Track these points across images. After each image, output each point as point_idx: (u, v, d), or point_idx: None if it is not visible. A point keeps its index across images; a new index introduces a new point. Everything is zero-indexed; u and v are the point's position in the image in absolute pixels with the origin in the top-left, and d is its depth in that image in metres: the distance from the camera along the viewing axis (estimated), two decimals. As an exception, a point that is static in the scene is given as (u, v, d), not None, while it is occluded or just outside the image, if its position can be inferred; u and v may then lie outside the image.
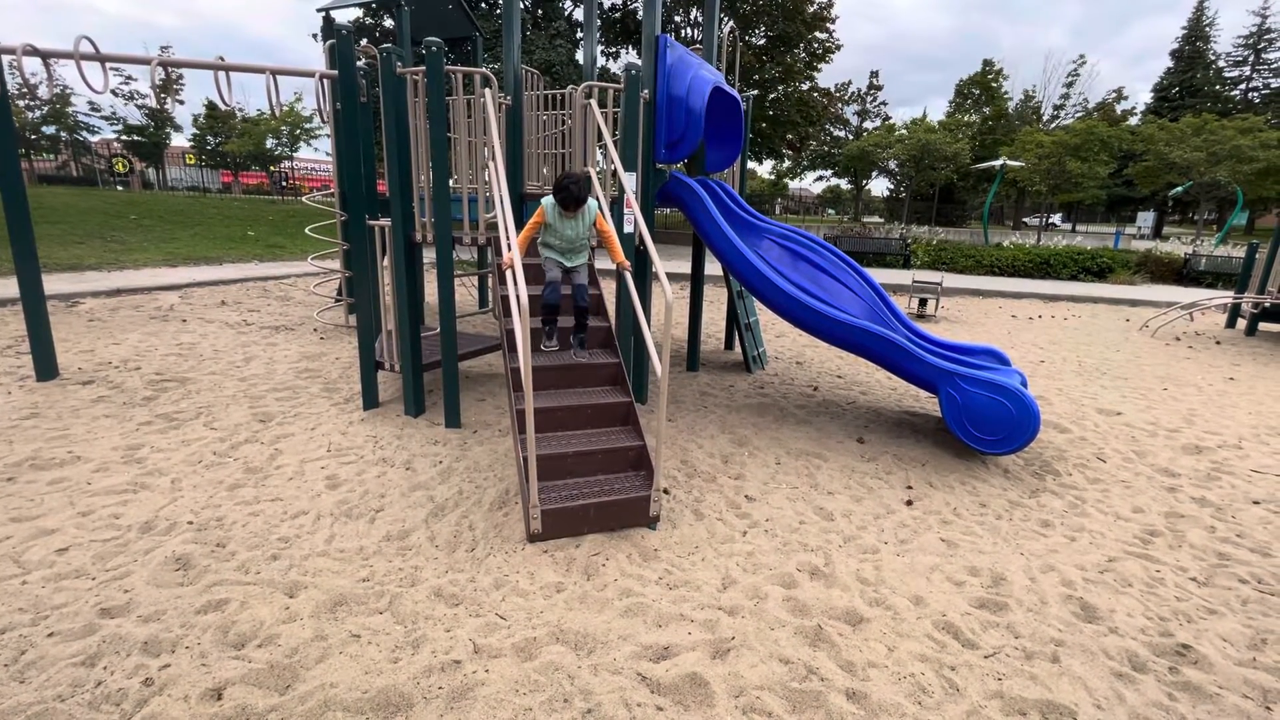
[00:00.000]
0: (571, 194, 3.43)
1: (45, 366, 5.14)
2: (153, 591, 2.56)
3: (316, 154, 37.64)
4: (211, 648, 2.25)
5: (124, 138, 33.08)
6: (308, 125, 32.77)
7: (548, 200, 3.51)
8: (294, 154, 36.59)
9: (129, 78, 31.54)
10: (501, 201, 3.28)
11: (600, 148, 4.62)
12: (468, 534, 3.13)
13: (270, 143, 35.14)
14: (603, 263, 4.70)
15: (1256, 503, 3.88)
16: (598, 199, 3.76)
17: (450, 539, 3.08)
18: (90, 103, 31.72)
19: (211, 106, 37.00)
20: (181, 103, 33.69)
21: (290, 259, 13.63)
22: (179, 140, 37.91)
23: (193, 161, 37.67)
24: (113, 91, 27.82)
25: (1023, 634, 2.55)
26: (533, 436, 2.87)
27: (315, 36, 22.27)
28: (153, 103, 32.05)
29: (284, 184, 36.58)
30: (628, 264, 3.53)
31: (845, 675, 2.26)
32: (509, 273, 2.93)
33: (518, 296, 2.74)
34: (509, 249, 2.90)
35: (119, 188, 30.15)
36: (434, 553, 2.96)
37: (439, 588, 2.68)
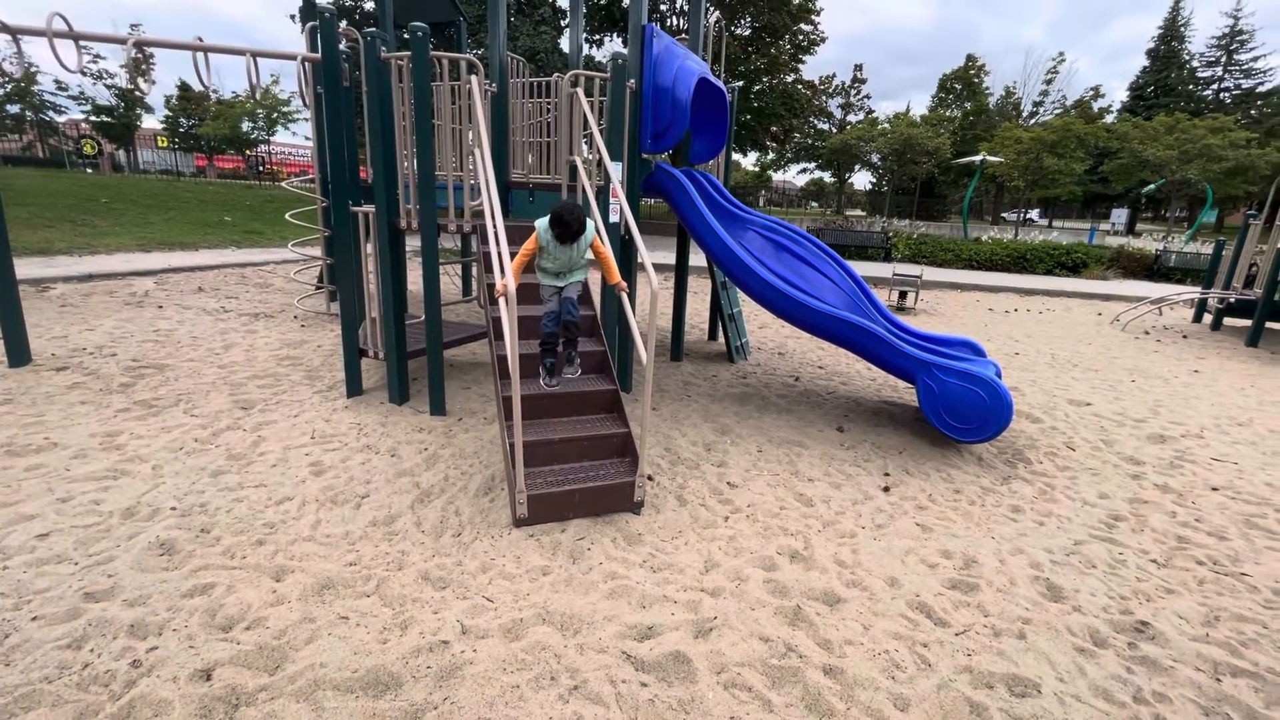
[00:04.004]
0: (570, 229, 3.29)
1: (17, 352, 5.03)
2: (137, 576, 2.56)
3: (295, 138, 36.82)
4: (199, 630, 2.27)
5: (93, 118, 32.08)
6: (285, 109, 32.04)
7: (542, 225, 3.37)
8: (271, 138, 35.78)
9: (97, 56, 30.56)
10: (490, 196, 3.28)
11: (586, 137, 4.63)
12: (454, 519, 3.17)
13: (246, 126, 34.29)
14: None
15: (1215, 489, 4.05)
16: (594, 219, 3.68)
17: (437, 524, 3.11)
18: (57, 81, 30.70)
19: (184, 88, 36.01)
20: (152, 83, 32.73)
21: (268, 245, 13.40)
22: (150, 122, 36.91)
23: (165, 144, 36.70)
24: (81, 70, 26.92)
25: (992, 613, 2.66)
26: (519, 423, 2.90)
27: (293, 17, 21.77)
28: (123, 82, 31.14)
29: (260, 168, 35.84)
30: (624, 285, 3.42)
31: (823, 652, 2.35)
32: (503, 300, 2.89)
33: (510, 320, 2.77)
34: (503, 275, 2.84)
35: (88, 170, 29.31)
36: (420, 538, 2.99)
37: (426, 571, 2.72)
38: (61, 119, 34.17)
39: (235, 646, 2.19)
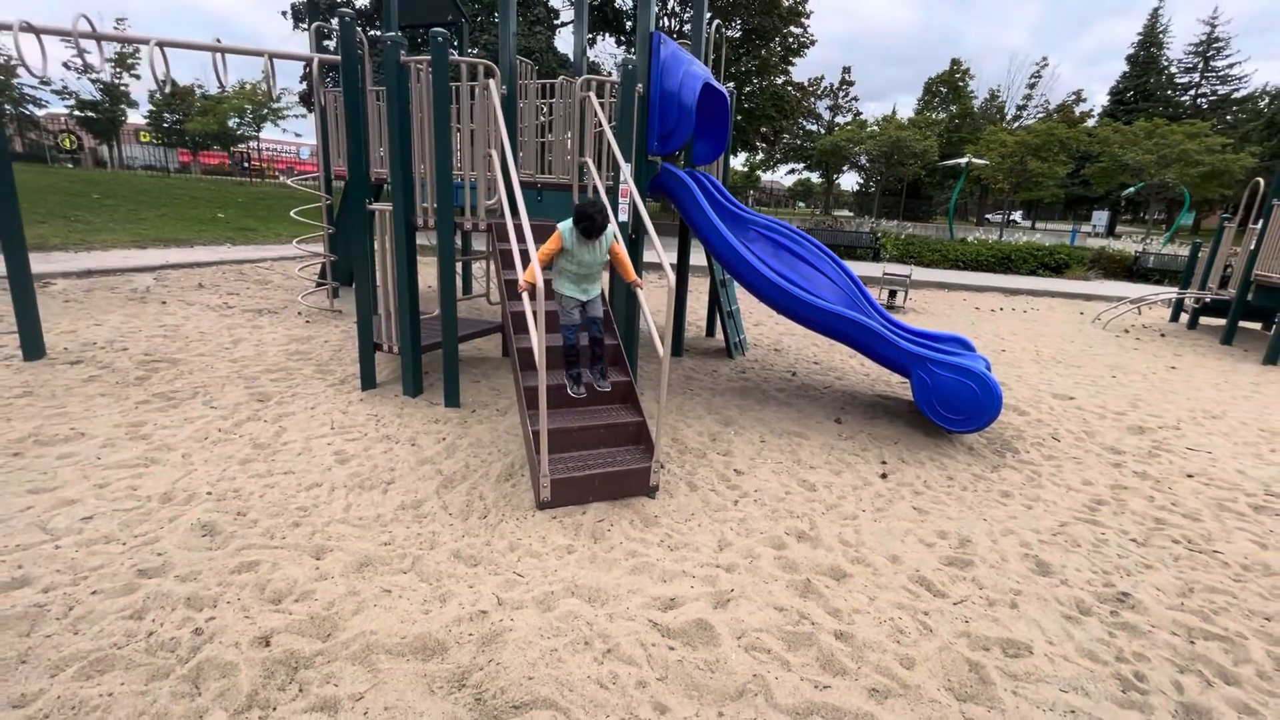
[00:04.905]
0: (596, 223, 3.40)
1: (32, 345, 5.11)
2: (185, 554, 2.69)
3: (285, 134, 36.52)
4: (252, 602, 2.41)
5: (77, 113, 31.60)
6: (275, 105, 31.78)
7: (565, 227, 3.49)
8: (259, 134, 35.46)
9: (82, 50, 30.10)
10: (515, 195, 3.43)
11: (597, 130, 4.78)
12: (479, 503, 3.32)
13: (233, 122, 33.96)
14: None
15: (1190, 476, 4.31)
16: (610, 223, 3.81)
17: (463, 507, 3.27)
18: (39, 75, 30.20)
19: (171, 82, 35.50)
20: (136, 79, 32.25)
21: (264, 242, 13.40)
22: (134, 117, 36.39)
23: (148, 139, 36.23)
24: (64, 64, 26.53)
25: (986, 585, 2.87)
26: (544, 411, 3.06)
27: (285, 14, 21.69)
28: (107, 76, 30.76)
29: (245, 165, 35.48)
30: (640, 281, 3.58)
31: (833, 620, 2.54)
32: (526, 294, 3.06)
33: (537, 313, 2.94)
34: (524, 268, 3.01)
35: (69, 165, 28.92)
36: (449, 520, 3.15)
37: (457, 550, 2.87)
38: (41, 112, 33.61)
39: (288, 616, 2.34)
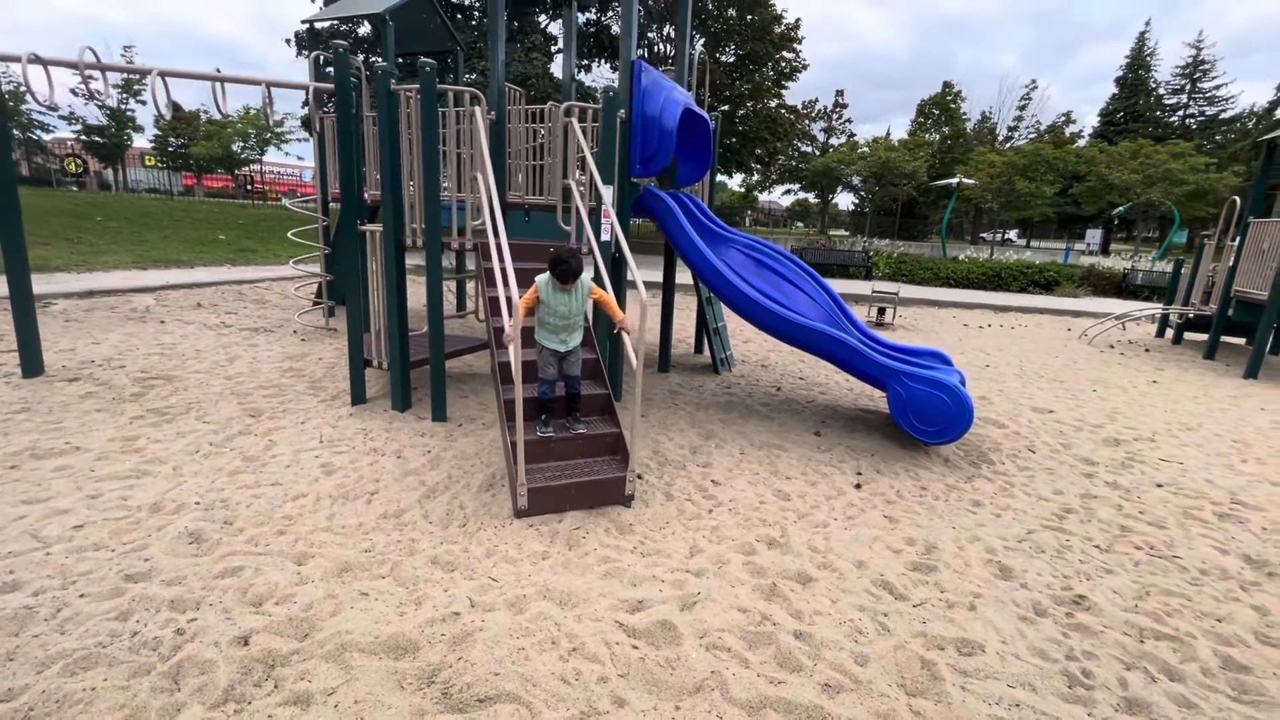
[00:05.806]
0: (571, 268, 3.46)
1: (31, 362, 5.24)
2: (171, 560, 2.79)
3: (288, 158, 37.13)
4: (233, 605, 2.51)
5: (83, 138, 32.18)
6: (279, 129, 32.37)
7: (542, 279, 3.55)
8: (262, 158, 36.07)
9: (88, 77, 30.72)
10: (496, 218, 3.59)
11: (579, 160, 4.97)
12: (459, 512, 3.42)
13: (237, 146, 34.56)
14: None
15: (1160, 486, 4.40)
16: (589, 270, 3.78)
17: (443, 516, 3.37)
18: (46, 102, 30.81)
19: (175, 108, 36.19)
20: (142, 105, 32.87)
21: (263, 263, 13.61)
22: (140, 141, 37.03)
23: (152, 163, 36.84)
24: (71, 91, 27.10)
25: (947, 589, 2.96)
26: (520, 422, 3.18)
27: (288, 42, 22.25)
28: (113, 102, 31.43)
29: (249, 187, 36.02)
30: (629, 326, 3.57)
31: (794, 621, 2.63)
32: (505, 311, 3.19)
33: (513, 324, 3.07)
34: (504, 287, 3.16)
35: (74, 188, 29.38)
36: (429, 528, 3.25)
37: (435, 556, 2.97)
38: (48, 137, 34.21)
39: (268, 618, 2.43)
